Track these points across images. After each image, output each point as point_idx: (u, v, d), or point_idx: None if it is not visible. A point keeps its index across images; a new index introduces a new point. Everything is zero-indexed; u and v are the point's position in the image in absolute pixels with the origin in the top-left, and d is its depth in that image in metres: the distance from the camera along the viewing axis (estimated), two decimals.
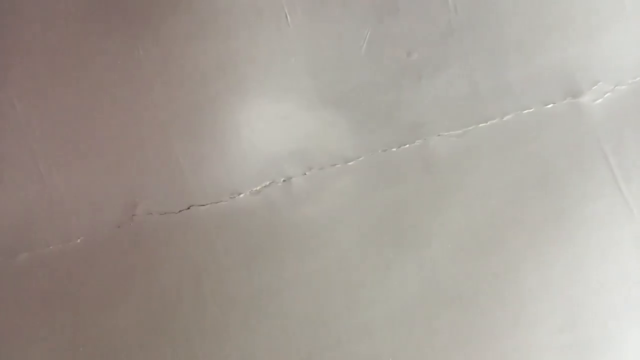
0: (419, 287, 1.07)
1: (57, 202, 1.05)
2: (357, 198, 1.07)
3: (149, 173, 1.06)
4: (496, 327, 1.08)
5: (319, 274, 1.07)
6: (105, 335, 1.05)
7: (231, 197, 1.06)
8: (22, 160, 1.05)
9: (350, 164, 1.07)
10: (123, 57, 1.05)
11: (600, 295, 1.08)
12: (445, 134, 1.07)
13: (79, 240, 1.05)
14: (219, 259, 1.06)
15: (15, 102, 1.05)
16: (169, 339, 1.06)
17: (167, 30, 1.05)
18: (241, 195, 1.06)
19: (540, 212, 1.07)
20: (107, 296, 1.05)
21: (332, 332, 1.07)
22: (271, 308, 1.06)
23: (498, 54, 1.07)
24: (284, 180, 1.06)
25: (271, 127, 1.07)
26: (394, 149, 1.07)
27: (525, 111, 1.07)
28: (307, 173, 1.07)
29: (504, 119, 1.07)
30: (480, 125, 1.07)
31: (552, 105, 1.07)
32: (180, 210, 1.06)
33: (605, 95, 1.07)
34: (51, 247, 1.05)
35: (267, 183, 1.06)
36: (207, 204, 1.06)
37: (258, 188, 1.06)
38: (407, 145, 1.07)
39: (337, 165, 1.07)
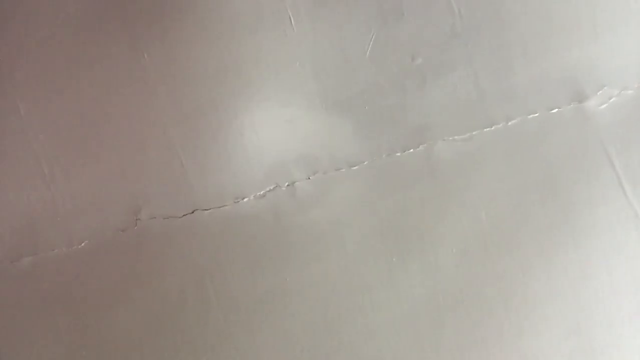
0: (424, 291, 1.07)
1: (61, 206, 1.05)
2: (362, 202, 1.07)
3: (153, 177, 1.06)
4: (501, 332, 1.07)
5: (323, 278, 1.07)
6: (109, 338, 1.05)
7: (235, 202, 1.06)
8: (26, 163, 1.05)
9: (354, 168, 1.07)
10: (128, 61, 1.05)
11: (606, 300, 1.08)
12: (450, 138, 1.07)
13: (82, 244, 1.05)
14: (222, 263, 1.06)
15: (20, 105, 1.05)
16: (172, 343, 1.05)
17: (172, 34, 1.05)
18: (245, 200, 1.06)
19: (546, 216, 1.07)
20: (110, 300, 1.05)
21: (336, 336, 1.07)
22: (275, 312, 1.06)
23: (503, 58, 1.07)
24: (288, 185, 1.06)
25: (275, 131, 1.07)
26: (399, 154, 1.07)
27: (530, 116, 1.07)
28: (311, 177, 1.07)
29: (509, 123, 1.07)
30: (485, 129, 1.07)
31: (557, 109, 1.07)
32: (184, 215, 1.06)
33: (611, 100, 1.07)
34: (55, 251, 1.05)
35: (271, 187, 1.06)
36: (211, 208, 1.06)
37: (262, 192, 1.06)
38: (412, 150, 1.07)
39: (341, 170, 1.07)
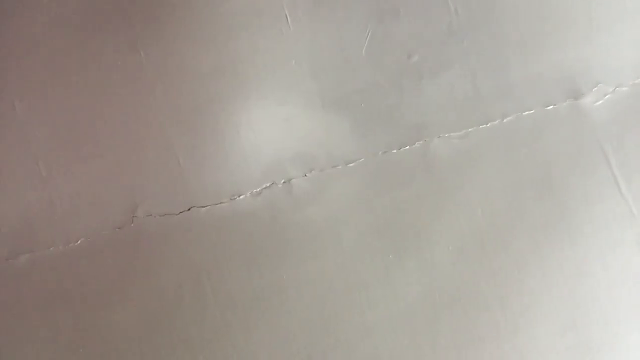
0: (420, 288, 1.07)
1: (57, 204, 1.05)
2: (358, 199, 1.07)
3: (149, 174, 1.06)
4: (497, 329, 1.07)
5: (320, 275, 1.07)
6: (106, 335, 1.05)
7: (232, 199, 1.06)
8: (23, 161, 1.05)
9: (350, 165, 1.07)
10: (124, 58, 1.05)
11: (601, 297, 1.08)
12: (446, 135, 1.07)
13: (79, 242, 1.05)
14: (219, 260, 1.06)
15: (16, 103, 1.05)
16: (169, 340, 1.05)
17: (168, 32, 1.05)
18: (242, 197, 1.06)
19: (541, 213, 1.07)
20: (107, 297, 1.05)
21: (333, 333, 1.07)
22: (271, 309, 1.06)
23: (499, 56, 1.07)
24: (284, 182, 1.06)
25: (272, 129, 1.07)
26: (395, 151, 1.07)
27: (525, 112, 1.07)
28: (307, 174, 1.07)
29: (505, 120, 1.07)
30: (481, 126, 1.07)
31: (552, 106, 1.07)
32: (180, 212, 1.06)
33: (606, 97, 1.07)
34: (52, 249, 1.05)
35: (268, 184, 1.06)
36: (207, 205, 1.06)
37: (258, 189, 1.06)
38: (408, 147, 1.07)
39: (337, 167, 1.07)
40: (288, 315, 1.06)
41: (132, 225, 1.06)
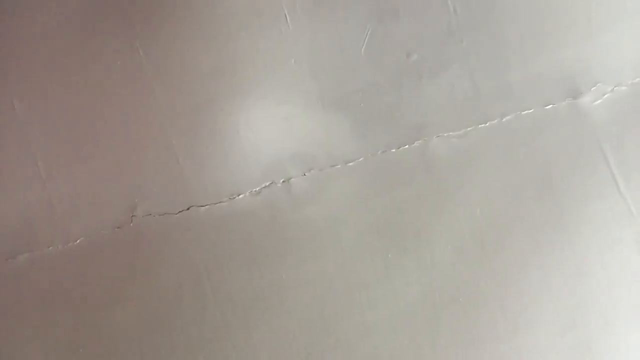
0: (420, 288, 1.07)
1: (56, 203, 1.05)
2: (357, 199, 1.07)
3: (148, 174, 1.06)
4: (497, 329, 1.07)
5: (319, 274, 1.07)
6: (106, 335, 1.05)
7: (231, 198, 1.06)
8: (22, 161, 1.05)
9: (350, 164, 1.07)
10: (123, 58, 1.05)
11: (601, 296, 1.08)
12: (445, 134, 1.07)
13: (78, 241, 1.05)
14: (218, 259, 1.06)
15: (15, 102, 1.05)
16: (169, 340, 1.05)
17: (168, 31, 1.05)
18: (241, 196, 1.06)
19: (540, 212, 1.07)
20: (106, 297, 1.05)
21: (333, 333, 1.07)
22: (271, 309, 1.06)
23: (498, 55, 1.07)
24: (283, 181, 1.06)
25: (271, 128, 1.07)
26: (394, 150, 1.07)
27: (525, 112, 1.07)
28: (306, 174, 1.07)
29: (504, 119, 1.08)
30: (480, 126, 1.07)
31: (551, 106, 1.08)
32: (180, 211, 1.06)
33: (605, 96, 1.07)
34: (51, 248, 1.05)
35: (267, 184, 1.06)
36: (206, 205, 1.06)
37: (258, 189, 1.06)
38: (407, 146, 1.07)
39: (337, 166, 1.07)
40: (288, 315, 1.06)
41: (132, 224, 1.06)
